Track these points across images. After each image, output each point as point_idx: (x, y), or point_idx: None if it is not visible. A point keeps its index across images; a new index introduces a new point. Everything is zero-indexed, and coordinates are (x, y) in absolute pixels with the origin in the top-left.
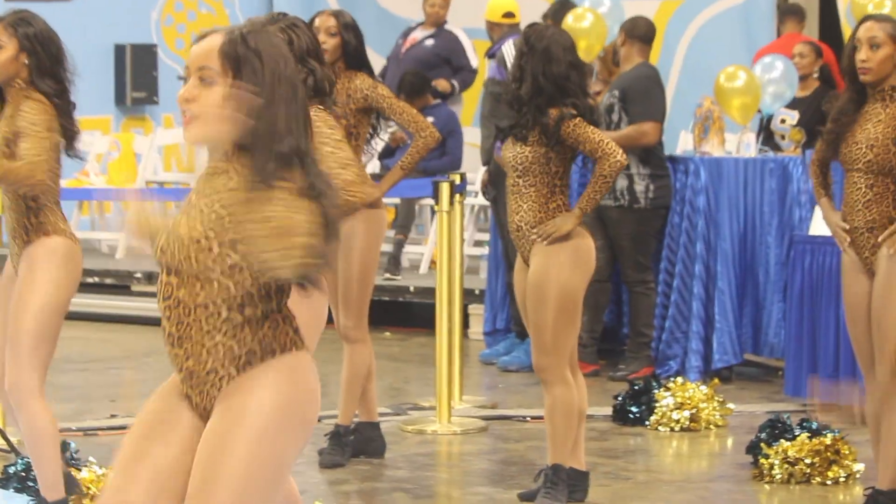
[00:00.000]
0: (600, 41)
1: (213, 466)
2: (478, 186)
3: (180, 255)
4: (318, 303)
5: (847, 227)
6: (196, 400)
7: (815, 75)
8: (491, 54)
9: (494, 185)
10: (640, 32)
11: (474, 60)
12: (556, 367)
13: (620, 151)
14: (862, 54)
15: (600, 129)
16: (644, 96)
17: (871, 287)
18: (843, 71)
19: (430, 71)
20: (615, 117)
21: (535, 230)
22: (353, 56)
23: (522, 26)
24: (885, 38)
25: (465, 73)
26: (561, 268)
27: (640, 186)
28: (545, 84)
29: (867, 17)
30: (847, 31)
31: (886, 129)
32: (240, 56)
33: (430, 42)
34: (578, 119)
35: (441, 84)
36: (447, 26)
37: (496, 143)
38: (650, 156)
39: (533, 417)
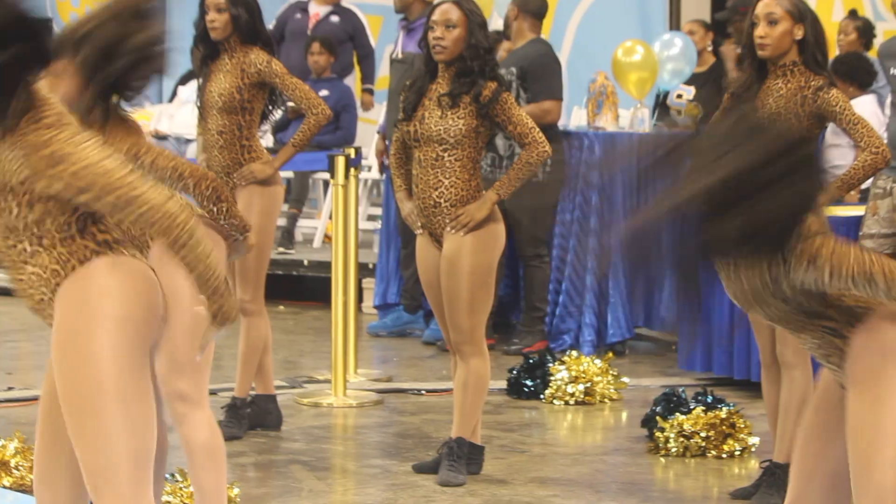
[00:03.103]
0: (486, 11)
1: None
2: (371, 161)
3: None
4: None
5: None
6: None
7: (710, 48)
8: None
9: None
10: (533, 7)
11: (371, 37)
12: (473, 341)
13: (547, 142)
14: (760, 30)
15: None
16: (544, 74)
17: None
18: (744, 47)
19: (337, 47)
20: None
21: (450, 217)
22: (246, 30)
23: None
24: (782, 13)
25: (365, 49)
26: (475, 245)
27: None
28: (487, 54)
29: None
30: None
31: (788, 104)
32: None
33: (335, 18)
34: (513, 98)
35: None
36: (343, 3)
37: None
38: (547, 131)
39: (428, 391)
